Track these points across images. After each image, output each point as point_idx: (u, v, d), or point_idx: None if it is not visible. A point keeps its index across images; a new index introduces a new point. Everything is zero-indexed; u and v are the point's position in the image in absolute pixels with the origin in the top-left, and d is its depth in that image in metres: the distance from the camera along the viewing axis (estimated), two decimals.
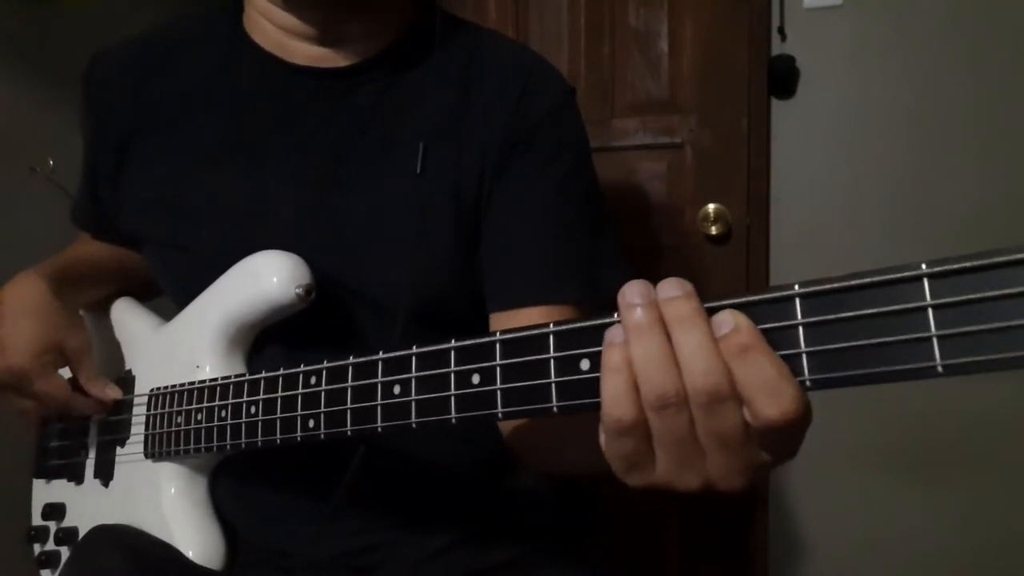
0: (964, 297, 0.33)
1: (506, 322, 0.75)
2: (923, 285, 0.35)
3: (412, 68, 0.80)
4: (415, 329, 0.76)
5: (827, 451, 1.65)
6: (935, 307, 0.34)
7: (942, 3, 1.55)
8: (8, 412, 0.85)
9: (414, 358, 0.55)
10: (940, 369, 0.34)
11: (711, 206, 1.68)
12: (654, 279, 0.42)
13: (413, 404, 0.54)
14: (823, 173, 1.66)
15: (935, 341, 0.34)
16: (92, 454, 0.89)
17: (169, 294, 0.87)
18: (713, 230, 1.68)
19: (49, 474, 0.95)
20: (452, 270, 0.77)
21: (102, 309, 0.96)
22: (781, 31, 1.64)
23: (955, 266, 0.33)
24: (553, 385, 0.47)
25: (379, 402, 0.57)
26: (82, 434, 0.90)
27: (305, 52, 0.79)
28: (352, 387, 0.59)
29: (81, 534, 0.87)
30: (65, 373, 0.84)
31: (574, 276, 0.76)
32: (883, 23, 1.59)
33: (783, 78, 1.64)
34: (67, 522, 0.91)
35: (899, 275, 0.35)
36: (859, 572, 1.68)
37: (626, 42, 1.74)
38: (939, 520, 1.61)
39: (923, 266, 0.34)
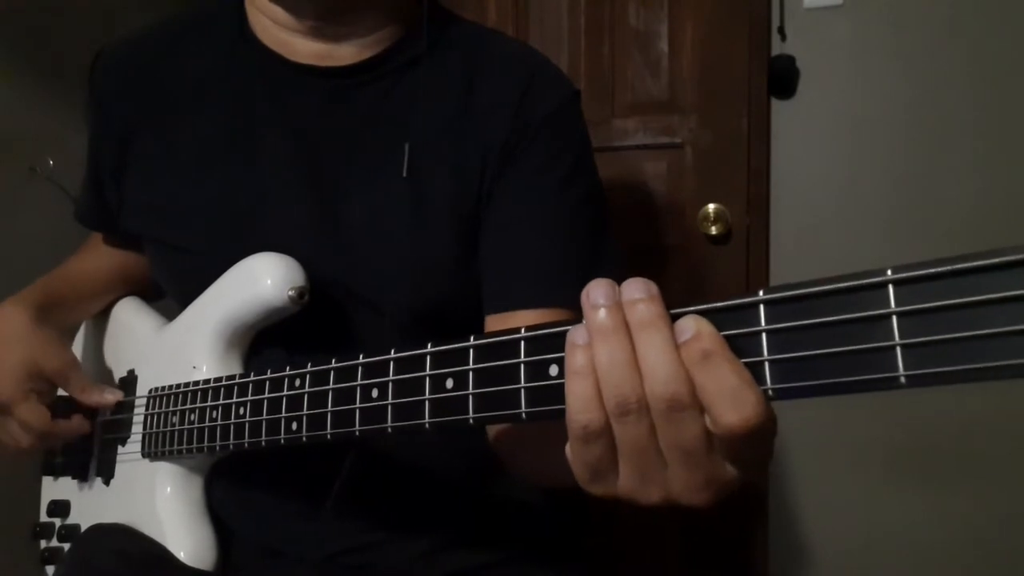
0: (928, 304, 0.32)
1: (500, 325, 0.74)
2: (888, 292, 0.33)
3: (415, 67, 0.79)
4: (417, 331, 0.75)
5: (827, 453, 1.64)
6: (899, 315, 0.33)
7: (942, 3, 1.54)
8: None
9: (392, 362, 0.54)
10: (903, 380, 0.33)
11: (711, 206, 1.67)
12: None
13: (389, 408, 0.54)
14: (823, 173, 1.65)
15: (898, 350, 0.33)
16: (95, 452, 0.90)
17: (170, 294, 0.87)
18: (713, 230, 1.67)
19: (56, 471, 0.96)
20: (452, 272, 0.76)
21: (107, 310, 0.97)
22: (781, 31, 1.63)
23: (920, 272, 0.32)
24: (522, 391, 0.46)
25: (357, 406, 0.56)
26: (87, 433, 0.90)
27: (306, 50, 0.78)
28: (333, 390, 0.59)
29: (83, 531, 0.88)
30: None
31: (571, 279, 0.74)
32: (883, 23, 1.58)
33: (783, 78, 1.63)
34: (70, 519, 0.92)
35: (863, 281, 0.34)
36: (861, 575, 1.67)
37: (626, 42, 1.73)
38: (941, 522, 1.59)
39: (888, 272, 0.33)
